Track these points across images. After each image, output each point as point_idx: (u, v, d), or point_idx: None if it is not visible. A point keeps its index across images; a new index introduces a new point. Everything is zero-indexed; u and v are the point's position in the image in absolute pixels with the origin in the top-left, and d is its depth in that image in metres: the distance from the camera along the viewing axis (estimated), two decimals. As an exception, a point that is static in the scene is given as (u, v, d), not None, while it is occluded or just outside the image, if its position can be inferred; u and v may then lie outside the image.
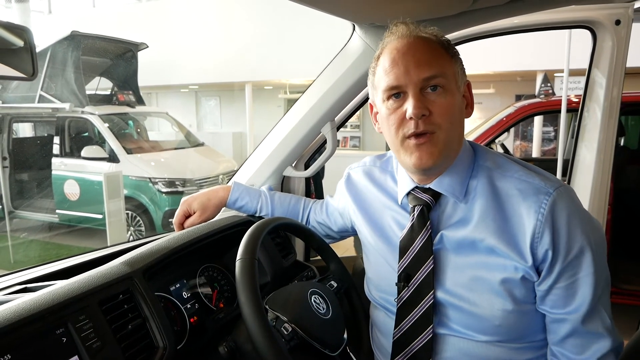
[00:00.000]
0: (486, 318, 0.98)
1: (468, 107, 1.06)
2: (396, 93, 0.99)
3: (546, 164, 5.10)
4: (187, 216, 1.43)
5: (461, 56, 1.05)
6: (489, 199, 1.00)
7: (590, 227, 0.96)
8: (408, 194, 1.10)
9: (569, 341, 0.97)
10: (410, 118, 0.95)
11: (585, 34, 1.76)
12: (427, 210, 1.05)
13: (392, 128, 1.00)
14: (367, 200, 1.23)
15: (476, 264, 0.99)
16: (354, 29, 1.44)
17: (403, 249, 1.07)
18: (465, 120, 1.05)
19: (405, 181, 1.11)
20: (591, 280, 0.94)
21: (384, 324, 1.16)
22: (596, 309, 0.95)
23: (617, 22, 1.67)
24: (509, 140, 9.07)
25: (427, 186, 1.06)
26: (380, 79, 1.01)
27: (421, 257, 1.04)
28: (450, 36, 1.51)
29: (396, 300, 1.07)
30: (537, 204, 0.95)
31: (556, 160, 3.64)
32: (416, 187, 1.08)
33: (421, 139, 0.97)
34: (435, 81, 0.96)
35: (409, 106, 0.96)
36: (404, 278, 1.05)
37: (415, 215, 1.06)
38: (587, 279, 0.94)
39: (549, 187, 0.96)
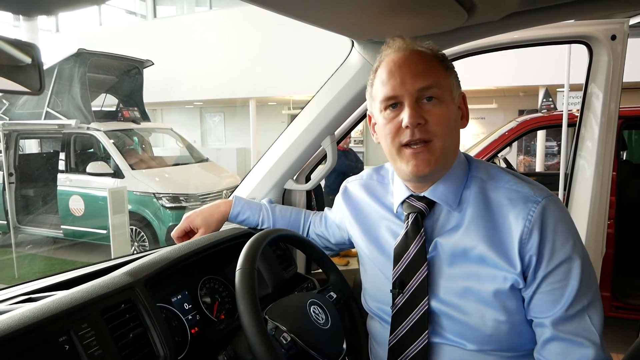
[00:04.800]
0: (477, 328, 0.99)
1: (463, 119, 1.09)
2: (393, 103, 1.02)
3: (549, 178, 5.10)
4: (188, 232, 1.45)
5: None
6: (480, 208, 1.02)
7: (577, 238, 0.98)
8: (403, 202, 1.12)
9: (549, 347, 0.96)
10: (407, 127, 0.99)
11: (585, 49, 1.79)
12: (421, 217, 1.07)
13: (389, 137, 1.03)
14: (363, 212, 1.25)
15: (467, 274, 1.01)
16: (352, 45, 1.48)
17: (397, 256, 1.09)
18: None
19: (400, 190, 1.13)
20: (576, 288, 0.94)
21: (380, 334, 1.17)
22: (580, 318, 0.95)
23: (613, 37, 1.69)
24: (512, 154, 9.09)
25: (422, 194, 1.08)
26: (378, 90, 1.05)
27: (415, 264, 1.05)
28: (447, 52, 1.53)
29: (391, 307, 1.08)
30: (525, 211, 0.97)
31: (558, 174, 3.65)
32: (411, 195, 1.10)
33: (418, 147, 1.00)
34: (430, 92, 0.99)
35: (405, 115, 0.99)
36: (399, 285, 1.07)
37: (410, 223, 1.08)
38: (572, 286, 0.95)
39: (537, 196, 0.99)
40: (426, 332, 1.03)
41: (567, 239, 0.96)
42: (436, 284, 1.04)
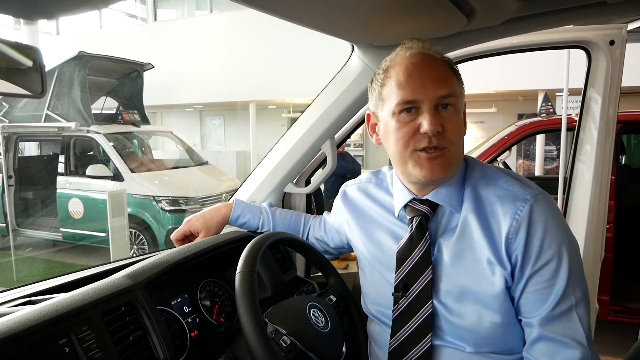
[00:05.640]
0: (474, 330, 1.00)
1: (465, 126, 1.09)
2: (409, 107, 1.00)
3: (548, 182, 5.11)
4: (188, 236, 1.44)
5: (463, 75, 1.09)
6: (475, 207, 1.03)
7: (567, 236, 0.98)
8: (405, 206, 1.12)
9: (537, 347, 0.97)
10: (425, 133, 0.97)
11: (584, 54, 1.80)
12: (426, 220, 1.08)
13: (402, 141, 1.01)
14: (363, 215, 1.25)
15: (466, 274, 1.01)
16: (352, 49, 1.48)
17: (400, 259, 1.08)
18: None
19: (401, 194, 1.13)
20: (563, 287, 0.94)
21: (380, 336, 1.17)
22: (567, 318, 0.95)
23: (612, 43, 1.70)
24: (511, 158, 9.10)
25: (425, 197, 1.08)
26: (392, 91, 1.01)
27: (420, 267, 1.05)
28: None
29: (393, 311, 1.08)
30: (513, 210, 0.98)
31: (557, 178, 3.66)
32: (413, 198, 1.10)
33: (433, 152, 0.99)
34: (448, 100, 0.99)
35: (424, 121, 0.97)
36: (402, 288, 1.06)
37: (414, 226, 1.08)
38: (559, 285, 0.95)
39: (526, 195, 0.99)
40: (429, 335, 1.03)
41: (555, 237, 0.96)
42: (437, 286, 1.04)
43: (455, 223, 1.05)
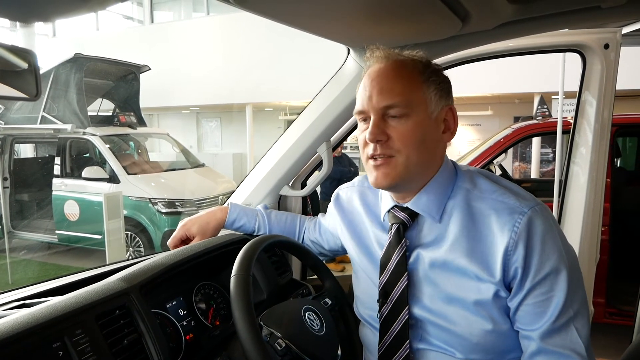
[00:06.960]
0: (464, 336, 0.99)
1: (447, 132, 1.06)
2: (364, 117, 1.04)
3: (544, 184, 5.13)
4: (184, 240, 1.44)
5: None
6: (464, 219, 1.02)
7: (564, 247, 0.97)
8: (388, 212, 1.12)
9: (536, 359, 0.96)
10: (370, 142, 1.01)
11: (579, 57, 1.80)
12: (403, 228, 1.08)
13: (360, 147, 1.07)
14: (354, 219, 1.26)
15: (450, 283, 1.01)
16: (348, 52, 1.49)
17: (382, 266, 1.09)
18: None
19: (386, 199, 1.14)
20: (562, 300, 0.94)
21: (370, 340, 1.17)
22: (566, 330, 0.94)
23: (606, 46, 1.71)
24: (507, 161, 9.13)
25: (405, 205, 1.08)
26: (356, 101, 1.07)
27: (397, 275, 1.06)
28: (441, 60, 1.55)
29: (378, 317, 1.09)
30: (510, 223, 0.96)
31: (553, 181, 3.68)
32: (395, 205, 1.11)
33: (378, 161, 1.02)
34: (394, 111, 0.99)
35: (367, 131, 1.01)
36: (383, 295, 1.08)
37: (392, 233, 1.09)
38: (559, 298, 0.94)
39: (523, 207, 0.97)
40: (407, 341, 1.04)
41: (554, 250, 0.95)
42: (419, 292, 1.05)
43: (437, 232, 1.04)
